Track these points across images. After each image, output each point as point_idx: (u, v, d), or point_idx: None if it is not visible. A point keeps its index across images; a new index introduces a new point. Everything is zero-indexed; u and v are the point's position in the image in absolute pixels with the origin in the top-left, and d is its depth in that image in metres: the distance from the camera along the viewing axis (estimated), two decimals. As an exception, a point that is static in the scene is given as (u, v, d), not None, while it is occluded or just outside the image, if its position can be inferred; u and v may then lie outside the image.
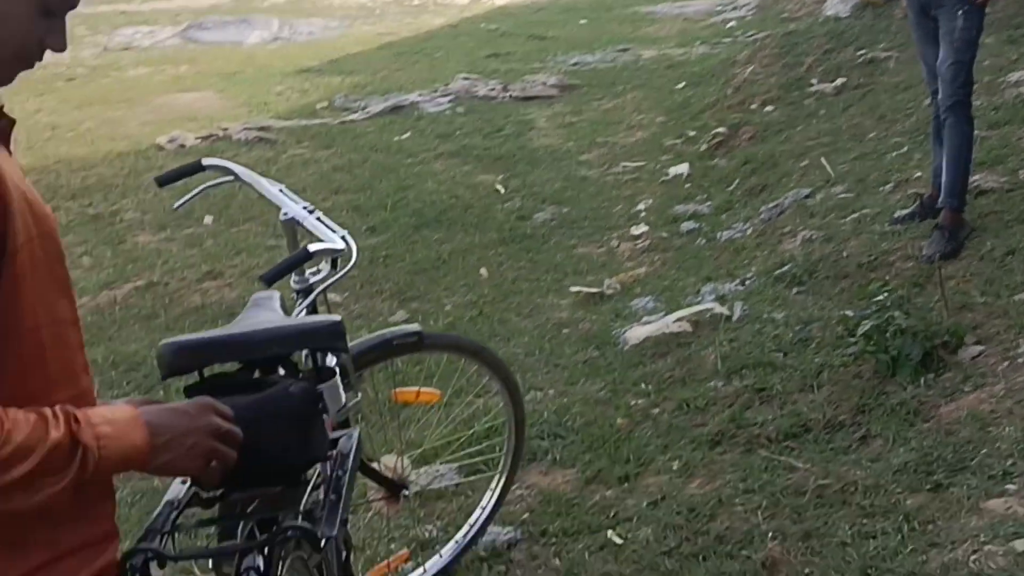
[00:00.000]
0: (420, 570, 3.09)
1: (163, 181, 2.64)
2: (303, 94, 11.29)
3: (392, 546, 3.26)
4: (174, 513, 1.62)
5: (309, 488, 1.61)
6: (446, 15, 17.33)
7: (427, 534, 3.31)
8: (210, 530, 1.75)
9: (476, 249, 6.10)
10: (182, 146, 9.04)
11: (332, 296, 5.52)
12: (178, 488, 1.69)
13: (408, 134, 8.99)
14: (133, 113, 10.74)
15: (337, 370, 1.80)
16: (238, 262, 6.22)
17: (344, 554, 1.67)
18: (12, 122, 1.49)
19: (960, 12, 4.32)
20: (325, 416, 1.89)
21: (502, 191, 7.17)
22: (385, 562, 3.07)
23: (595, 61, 11.56)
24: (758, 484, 3.27)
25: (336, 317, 1.91)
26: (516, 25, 15.01)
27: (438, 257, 6.02)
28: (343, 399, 1.82)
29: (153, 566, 1.48)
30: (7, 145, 1.47)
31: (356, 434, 1.84)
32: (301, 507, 1.56)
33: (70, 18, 1.50)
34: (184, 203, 2.76)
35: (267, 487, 1.66)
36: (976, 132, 4.70)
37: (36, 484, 1.30)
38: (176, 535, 1.62)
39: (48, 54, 1.47)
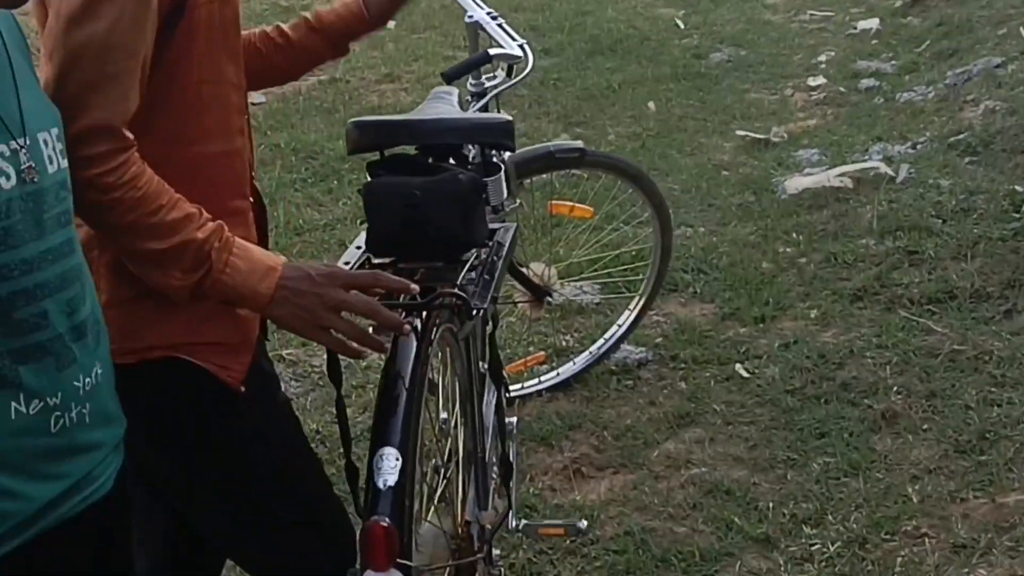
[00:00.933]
0: (553, 373, 3.30)
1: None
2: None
3: (531, 348, 3.48)
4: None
5: (466, 267, 1.78)
6: None
7: (564, 343, 3.50)
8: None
9: (647, 82, 6.10)
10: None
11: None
12: (353, 252, 1.89)
13: (595, -42, 8.85)
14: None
15: (503, 167, 1.94)
16: (415, 68, 6.40)
17: (491, 329, 1.85)
18: None
19: None
20: (488, 207, 2.06)
21: (681, 26, 7.08)
22: (523, 360, 3.29)
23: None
24: (892, 341, 3.32)
25: (507, 116, 2.05)
26: None
27: (608, 86, 6.05)
28: (505, 194, 1.97)
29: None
30: None
31: (513, 228, 2.00)
32: (458, 282, 1.74)
33: None
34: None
35: (431, 261, 1.85)
36: None
37: (163, 266, 1.43)
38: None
39: None
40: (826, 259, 3.93)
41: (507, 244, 1.93)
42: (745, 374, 3.31)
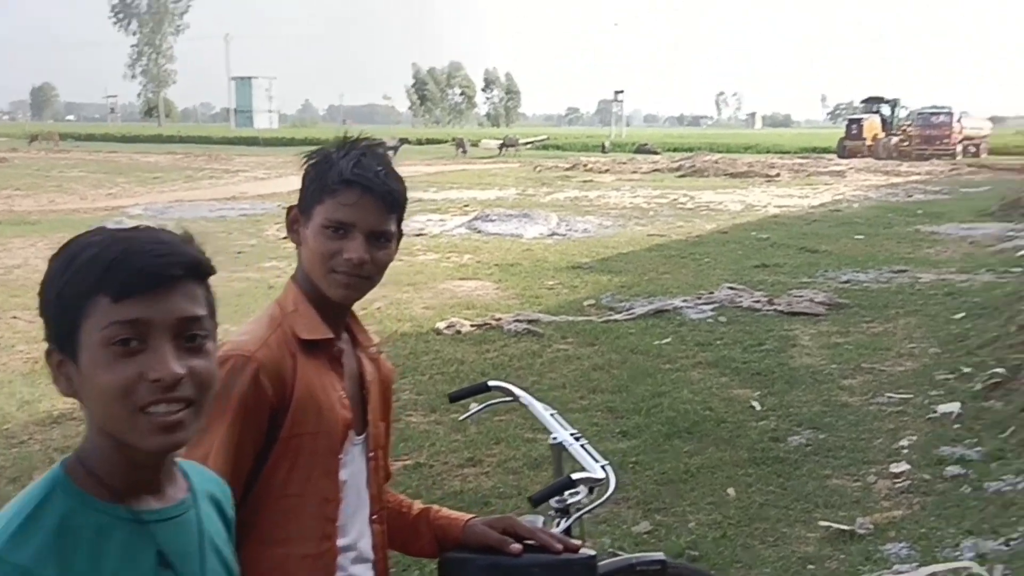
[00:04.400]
0: None
1: (455, 398, 2.95)
2: (572, 290, 11.82)
3: None
4: None
5: None
6: (718, 220, 17.71)
7: None
8: None
9: (725, 466, 6.12)
10: (458, 332, 9.63)
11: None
12: None
13: (669, 339, 9.20)
14: (419, 296, 11.58)
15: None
16: (496, 451, 6.53)
17: None
18: (379, 351, 2.07)
19: None
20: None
21: (757, 408, 7.19)
22: None
23: (868, 280, 11.46)
24: None
25: (592, 552, 2.08)
26: (787, 236, 15.11)
27: (686, 470, 6.08)
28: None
29: None
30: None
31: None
32: None
33: None
34: (470, 416, 3.07)
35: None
36: None
37: None
38: None
39: None
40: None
41: None
42: None
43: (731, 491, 5.76)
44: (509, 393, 2.88)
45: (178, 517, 1.40)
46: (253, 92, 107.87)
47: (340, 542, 1.91)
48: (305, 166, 1.95)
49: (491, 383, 2.88)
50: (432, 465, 6.32)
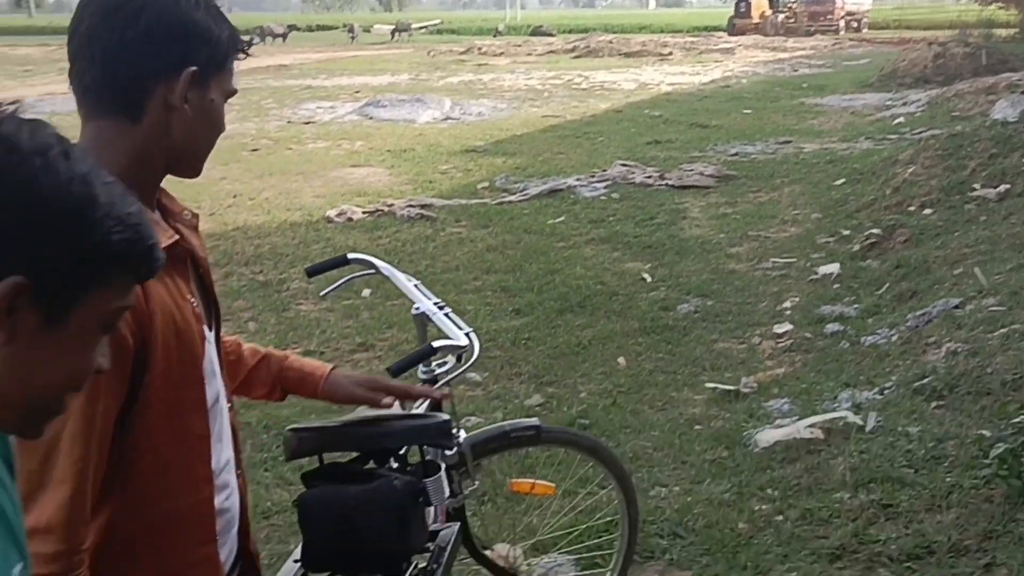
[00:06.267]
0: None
1: (312, 272, 2.85)
2: (466, 173, 11.70)
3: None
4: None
5: (405, 578, 1.74)
6: (611, 100, 17.66)
7: (540, 623, 3.38)
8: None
9: (617, 337, 6.19)
10: (350, 219, 9.49)
11: (473, 375, 5.70)
12: (290, 567, 1.84)
13: (562, 218, 9.20)
14: (308, 185, 11.35)
15: (443, 465, 1.93)
16: (389, 335, 6.50)
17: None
18: (195, 216, 1.74)
19: None
20: (431, 508, 2.03)
21: (648, 279, 7.26)
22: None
23: (755, 152, 11.59)
24: (875, 604, 3.22)
25: (445, 416, 2.05)
26: (679, 112, 15.17)
27: (578, 343, 6.13)
28: (446, 492, 1.95)
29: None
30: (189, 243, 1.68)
31: (456, 528, 1.96)
32: (394, 597, 1.69)
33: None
34: (330, 292, 2.97)
35: (370, 573, 1.80)
36: None
37: None
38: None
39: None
40: (802, 516, 3.86)
41: (449, 547, 1.89)
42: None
43: (621, 360, 5.84)
44: (370, 265, 2.81)
45: None
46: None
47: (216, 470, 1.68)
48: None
49: (351, 256, 2.80)
50: (323, 352, 6.26)
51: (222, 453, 1.71)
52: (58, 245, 1.02)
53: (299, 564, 1.80)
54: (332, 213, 9.65)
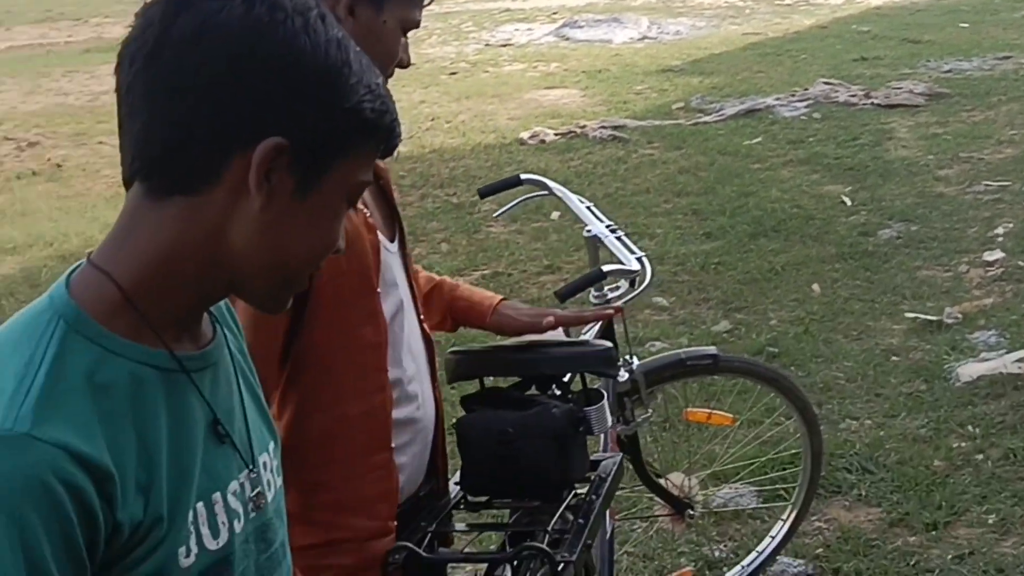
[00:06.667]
0: (703, 589, 3.12)
1: (484, 193, 2.84)
2: (661, 94, 11.43)
3: (681, 560, 3.31)
4: (442, 514, 1.78)
5: (561, 508, 1.71)
6: (817, 15, 16.79)
7: (716, 553, 3.32)
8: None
9: (811, 263, 5.95)
10: (542, 141, 9.46)
11: (659, 300, 5.62)
12: (451, 489, 1.85)
13: (759, 139, 8.86)
14: (503, 107, 11.36)
15: (605, 394, 1.88)
16: (576, 258, 6.46)
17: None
18: None
19: None
20: (599, 437, 1.99)
21: (848, 203, 6.92)
22: (668, 576, 3.12)
23: (971, 69, 10.78)
24: (1082, 553, 2.99)
25: (607, 344, 2.00)
26: (889, 27, 14.27)
27: (771, 268, 5.93)
28: (609, 422, 1.90)
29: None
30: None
31: (618, 460, 1.92)
32: (550, 526, 1.66)
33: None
34: (503, 213, 2.96)
35: (526, 500, 1.79)
36: None
37: None
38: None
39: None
40: (1005, 455, 3.63)
41: (610, 478, 1.85)
42: (915, 591, 3.04)
43: (816, 287, 5.61)
44: (542, 186, 2.76)
45: (216, 363, 1.08)
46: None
47: (392, 376, 1.69)
48: None
49: (523, 176, 2.76)
50: (510, 274, 6.31)
51: (408, 364, 1.72)
52: (315, 108, 0.99)
53: (459, 487, 1.81)
54: (525, 135, 9.65)
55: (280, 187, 0.99)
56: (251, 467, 1.08)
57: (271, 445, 1.16)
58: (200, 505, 0.99)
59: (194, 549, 0.97)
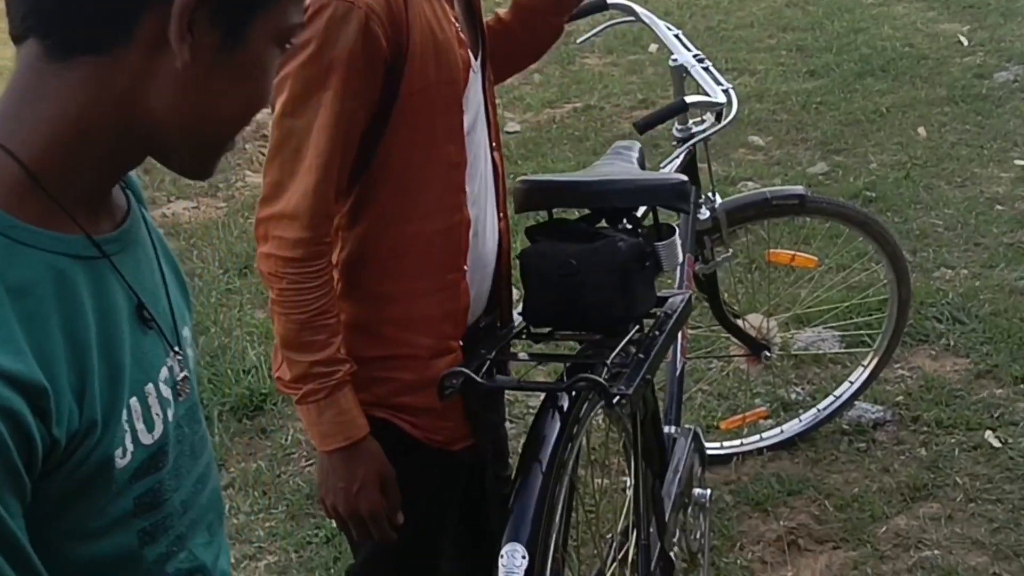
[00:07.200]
0: (777, 430, 3.09)
1: (569, 17, 2.71)
2: (772, -79, 10.81)
3: (756, 400, 3.28)
4: (503, 343, 1.76)
5: (623, 342, 1.67)
6: None
7: (792, 396, 3.28)
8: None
9: (919, 105, 5.65)
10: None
11: (755, 139, 5.43)
12: (514, 318, 1.82)
13: (874, -30, 8.36)
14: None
15: (676, 230, 1.81)
16: (671, 93, 6.26)
17: (642, 414, 1.72)
18: None
19: None
20: (675, 273, 1.92)
21: (965, 43, 6.52)
22: (742, 416, 3.09)
23: None
24: None
25: (682, 177, 1.91)
26: None
27: (875, 109, 5.66)
28: (679, 258, 1.83)
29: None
30: None
31: (686, 297, 1.86)
32: (609, 359, 1.62)
33: None
34: (588, 39, 2.84)
35: (588, 334, 1.75)
36: None
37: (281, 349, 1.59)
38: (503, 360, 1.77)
39: None
40: (1107, 313, 3.46)
41: (676, 315, 1.80)
42: (996, 443, 2.97)
43: (921, 130, 5.35)
44: (630, 11, 2.62)
45: (135, 240, 0.97)
46: None
47: (470, 204, 1.65)
48: None
49: (610, 0, 2.61)
50: (603, 108, 6.15)
51: (478, 190, 1.69)
52: None
53: (521, 318, 1.77)
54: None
55: (204, 40, 0.86)
56: (177, 348, 0.99)
57: (188, 316, 1.06)
58: (134, 400, 0.90)
59: (130, 448, 0.89)
